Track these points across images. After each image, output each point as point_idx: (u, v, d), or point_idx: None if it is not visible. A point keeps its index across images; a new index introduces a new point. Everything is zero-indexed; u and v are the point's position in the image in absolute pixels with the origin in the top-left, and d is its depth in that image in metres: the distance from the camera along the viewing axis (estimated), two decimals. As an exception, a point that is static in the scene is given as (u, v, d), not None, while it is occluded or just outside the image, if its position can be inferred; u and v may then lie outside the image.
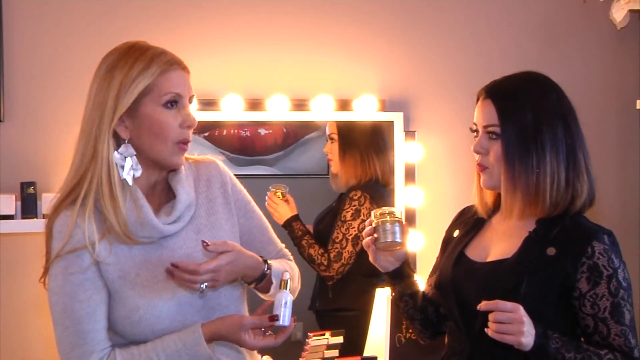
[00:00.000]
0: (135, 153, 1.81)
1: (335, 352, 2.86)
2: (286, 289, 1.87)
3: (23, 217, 2.70)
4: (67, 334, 1.78)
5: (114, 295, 1.81)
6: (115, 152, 1.79)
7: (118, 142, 1.81)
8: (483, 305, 1.83)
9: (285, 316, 1.84)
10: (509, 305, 1.81)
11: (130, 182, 1.81)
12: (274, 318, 1.83)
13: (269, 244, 2.05)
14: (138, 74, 1.77)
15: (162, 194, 1.90)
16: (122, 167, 1.80)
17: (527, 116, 1.94)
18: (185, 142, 1.84)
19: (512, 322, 1.80)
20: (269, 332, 1.86)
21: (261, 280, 1.91)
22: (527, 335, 1.80)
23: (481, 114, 2.00)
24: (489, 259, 2.00)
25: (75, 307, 1.78)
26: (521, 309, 1.81)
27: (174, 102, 1.81)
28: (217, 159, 2.02)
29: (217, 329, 1.82)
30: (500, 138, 1.96)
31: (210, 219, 1.93)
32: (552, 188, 1.93)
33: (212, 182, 1.97)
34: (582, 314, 1.90)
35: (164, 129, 1.80)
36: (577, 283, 1.89)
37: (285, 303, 1.85)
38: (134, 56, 1.79)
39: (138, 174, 1.82)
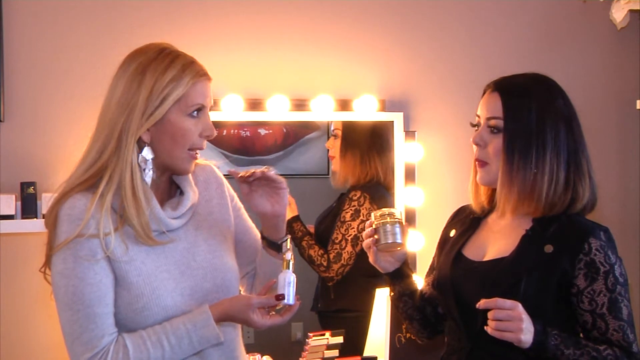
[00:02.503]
0: (153, 156, 1.85)
1: (335, 352, 2.87)
2: (289, 268, 1.91)
3: (23, 217, 2.69)
4: (77, 318, 1.78)
5: (120, 281, 1.82)
6: (139, 154, 1.83)
7: (139, 144, 1.83)
8: (482, 303, 1.84)
9: (290, 295, 1.88)
10: (507, 302, 1.82)
11: (149, 183, 1.84)
12: (280, 297, 1.86)
13: (258, 241, 2.10)
14: (169, 82, 1.81)
15: (165, 191, 1.94)
16: (144, 169, 1.84)
17: (531, 115, 1.95)
18: (198, 149, 1.88)
19: (512, 320, 1.81)
20: (272, 312, 1.89)
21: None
22: (526, 332, 1.81)
23: (486, 106, 2.01)
24: (487, 258, 2.01)
25: (87, 290, 1.78)
26: (520, 306, 1.82)
27: (197, 111, 1.86)
28: (212, 163, 2.07)
29: (225, 309, 1.85)
30: (501, 132, 1.97)
31: (208, 219, 1.98)
32: (550, 188, 1.94)
33: (209, 183, 2.02)
34: (581, 310, 1.91)
35: (185, 136, 1.84)
36: (574, 280, 1.90)
37: (289, 282, 1.88)
38: (165, 62, 1.82)
39: (150, 177, 1.85)
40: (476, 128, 2.03)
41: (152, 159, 1.85)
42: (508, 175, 1.95)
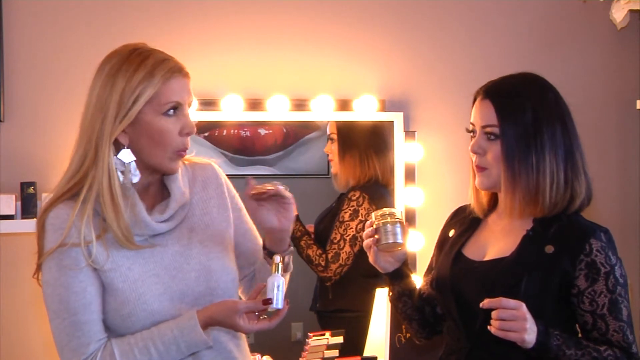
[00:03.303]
0: (135, 159, 1.82)
1: (335, 352, 2.87)
2: (278, 272, 1.88)
3: (23, 217, 2.69)
4: (64, 326, 1.79)
5: (107, 287, 1.82)
6: (115, 157, 1.80)
7: (117, 147, 1.81)
8: (486, 302, 1.84)
9: (278, 299, 1.84)
10: (512, 302, 1.82)
11: (129, 187, 1.82)
12: (268, 301, 1.83)
13: (259, 243, 2.06)
14: (139, 82, 1.77)
15: (157, 193, 1.91)
16: (122, 172, 1.81)
17: (526, 116, 1.94)
18: (183, 150, 1.85)
19: (516, 319, 1.81)
20: (263, 316, 1.86)
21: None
22: (530, 332, 1.81)
23: (479, 114, 2.00)
24: (487, 258, 2.01)
25: (71, 298, 1.78)
26: (524, 306, 1.82)
27: (174, 110, 1.82)
28: (213, 162, 2.04)
29: (212, 314, 1.83)
30: (498, 138, 1.96)
31: (204, 219, 1.95)
32: (552, 188, 1.94)
33: (208, 183, 1.99)
34: (581, 311, 1.91)
35: (164, 137, 1.81)
36: (575, 280, 1.90)
37: (278, 286, 1.85)
38: (135, 62, 1.79)
39: (136, 179, 1.84)
40: (472, 134, 2.03)
41: (134, 161, 1.82)
42: (511, 182, 1.95)
